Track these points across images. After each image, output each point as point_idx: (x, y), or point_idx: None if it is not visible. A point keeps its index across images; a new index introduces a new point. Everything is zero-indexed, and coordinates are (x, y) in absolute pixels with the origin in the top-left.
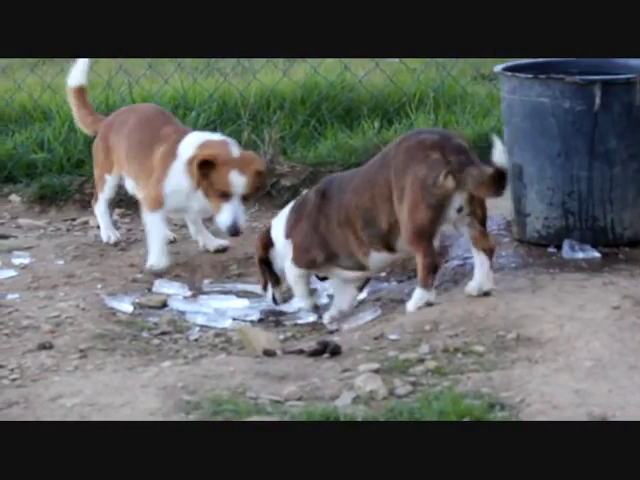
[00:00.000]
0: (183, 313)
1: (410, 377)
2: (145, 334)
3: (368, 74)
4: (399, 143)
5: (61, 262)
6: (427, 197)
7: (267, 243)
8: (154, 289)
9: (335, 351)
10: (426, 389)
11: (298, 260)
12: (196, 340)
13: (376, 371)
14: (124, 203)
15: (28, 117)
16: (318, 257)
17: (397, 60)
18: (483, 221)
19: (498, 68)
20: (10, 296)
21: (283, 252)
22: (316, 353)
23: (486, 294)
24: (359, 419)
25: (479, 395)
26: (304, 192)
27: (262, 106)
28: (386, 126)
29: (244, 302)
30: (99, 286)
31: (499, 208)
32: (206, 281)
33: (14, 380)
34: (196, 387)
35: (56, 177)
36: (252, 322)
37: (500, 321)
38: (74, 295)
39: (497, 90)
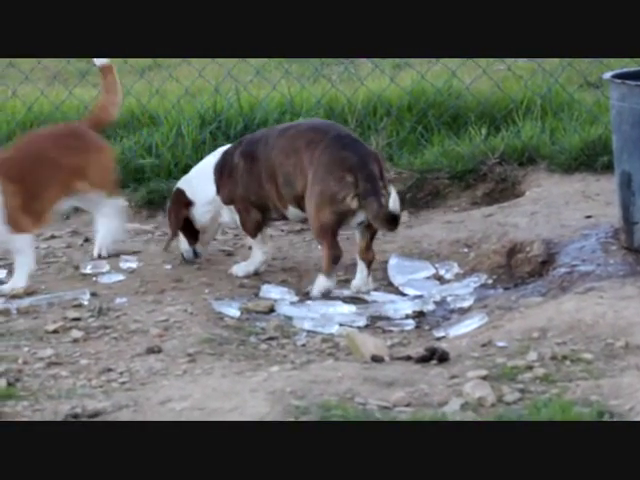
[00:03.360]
0: (290, 318)
1: (518, 384)
2: (253, 339)
3: (475, 81)
4: (324, 148)
5: (169, 267)
6: (333, 206)
7: (187, 203)
8: (261, 294)
9: (443, 358)
10: (534, 396)
11: (248, 228)
12: (303, 345)
13: (484, 378)
14: None
15: (136, 122)
16: (258, 217)
17: (504, 67)
18: (373, 235)
19: (607, 75)
20: (118, 300)
21: (206, 210)
22: (424, 359)
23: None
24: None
25: (588, 403)
26: (221, 154)
27: (369, 112)
28: (493, 133)
29: (351, 308)
30: (206, 291)
31: (607, 216)
32: (312, 286)
33: (123, 383)
34: (304, 392)
35: (164, 182)
36: (359, 328)
37: (608, 329)
38: (182, 299)
39: (604, 98)
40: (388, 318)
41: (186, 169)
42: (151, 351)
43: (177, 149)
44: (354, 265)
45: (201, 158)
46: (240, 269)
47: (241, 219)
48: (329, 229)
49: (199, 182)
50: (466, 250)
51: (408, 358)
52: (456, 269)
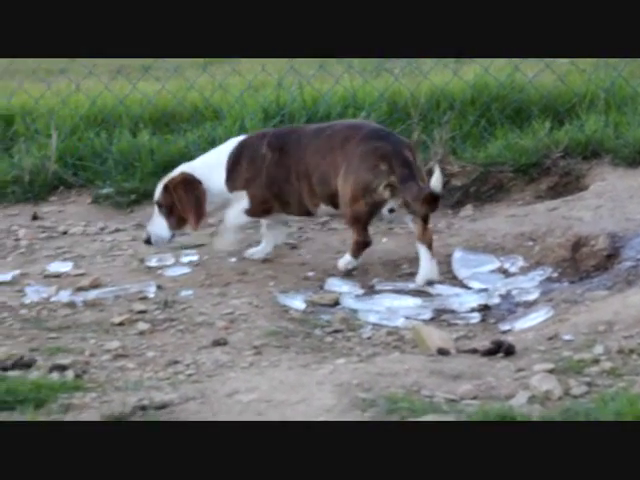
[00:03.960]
0: (355, 311)
1: (585, 377)
2: (318, 332)
3: (538, 75)
4: (359, 141)
5: (233, 259)
6: (367, 197)
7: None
8: (326, 287)
9: (509, 351)
10: (601, 390)
11: (254, 211)
12: (369, 338)
13: (551, 371)
14: None
15: (199, 116)
16: (274, 206)
17: (567, 61)
18: (425, 219)
19: None
20: (184, 293)
21: (214, 200)
22: (490, 352)
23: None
24: (535, 419)
25: None
26: (238, 143)
27: (432, 106)
28: (557, 127)
29: (416, 301)
30: (271, 284)
31: None
32: (377, 279)
33: (190, 375)
34: (371, 385)
35: None
36: (424, 321)
37: None
38: (247, 292)
39: None
40: (453, 311)
41: None
42: (217, 343)
43: None
44: (418, 259)
45: None
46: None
47: (251, 203)
48: (361, 219)
49: (211, 170)
50: (531, 243)
51: (474, 351)
52: (521, 262)
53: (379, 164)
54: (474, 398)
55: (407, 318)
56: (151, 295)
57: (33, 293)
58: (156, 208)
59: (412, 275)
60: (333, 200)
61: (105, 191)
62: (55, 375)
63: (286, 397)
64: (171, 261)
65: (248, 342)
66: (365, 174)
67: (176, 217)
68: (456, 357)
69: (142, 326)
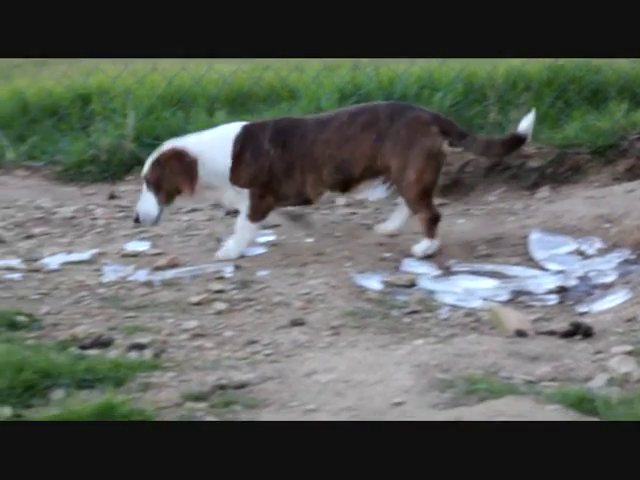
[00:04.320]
0: (432, 292)
1: None
2: (395, 312)
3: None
4: (389, 117)
5: (310, 240)
6: (432, 163)
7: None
8: (402, 268)
9: (587, 333)
10: None
11: (254, 217)
12: (446, 319)
13: (629, 353)
14: None
15: (275, 96)
16: (271, 204)
17: None
18: None
19: None
20: (261, 273)
21: (209, 179)
22: (568, 334)
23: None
24: (614, 401)
25: None
26: (242, 128)
27: (509, 87)
28: (634, 108)
29: (493, 282)
30: (348, 264)
31: None
32: (453, 261)
33: (268, 355)
34: (449, 365)
35: None
36: (501, 302)
37: None
38: (324, 273)
39: None
40: (530, 293)
41: None
42: (295, 323)
43: None
44: (497, 239)
45: None
46: (231, 252)
47: (253, 204)
48: (430, 191)
49: (212, 148)
50: (608, 225)
51: (552, 333)
52: (598, 244)
53: (430, 128)
54: (552, 380)
55: (484, 299)
56: (228, 275)
57: (111, 272)
58: (144, 185)
59: (489, 256)
60: (347, 185)
61: None
62: (133, 354)
63: (364, 377)
64: None
65: (325, 322)
66: (424, 141)
67: (165, 191)
68: (534, 339)
69: (219, 306)
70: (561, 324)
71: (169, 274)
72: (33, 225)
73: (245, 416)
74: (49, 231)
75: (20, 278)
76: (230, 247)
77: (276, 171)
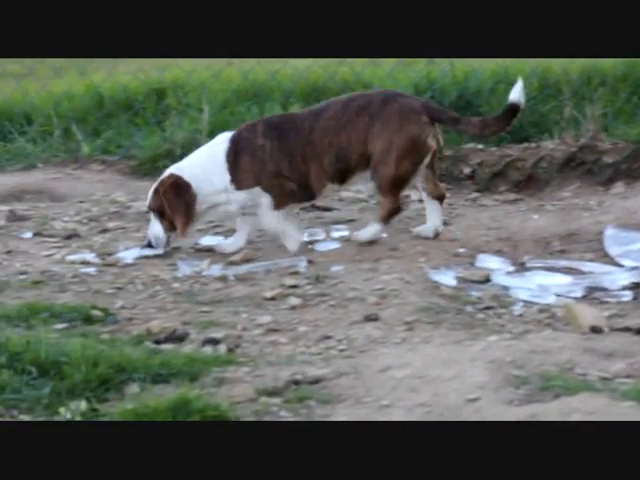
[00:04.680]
0: (506, 288)
1: None
2: (469, 308)
3: None
4: (381, 103)
5: (384, 235)
6: (414, 154)
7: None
8: (476, 264)
9: None
10: None
11: (280, 203)
12: (520, 315)
13: None
14: (445, 177)
15: (350, 91)
16: (294, 187)
17: None
18: (435, 171)
19: None
20: (334, 268)
21: (206, 200)
22: None
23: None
24: None
25: None
26: (229, 141)
27: (584, 82)
28: None
29: (567, 278)
30: (422, 260)
31: None
32: (527, 256)
33: (342, 351)
34: (524, 362)
35: None
36: (576, 298)
37: None
38: (398, 268)
39: None
40: (605, 289)
41: None
42: (369, 319)
43: None
44: (571, 235)
45: None
46: (290, 245)
47: (275, 193)
48: (403, 182)
49: (205, 171)
50: None
51: (627, 329)
52: None
53: (420, 117)
54: (628, 377)
55: (558, 296)
56: (302, 270)
57: (185, 267)
58: (151, 213)
59: (563, 252)
60: (344, 176)
61: None
62: (208, 349)
63: (439, 373)
64: (322, 236)
65: (400, 318)
66: (411, 129)
67: (168, 220)
68: (609, 335)
69: (294, 301)
70: (636, 320)
71: (243, 269)
72: (108, 219)
73: (319, 411)
74: (124, 225)
75: (95, 272)
76: (287, 244)
77: (279, 160)
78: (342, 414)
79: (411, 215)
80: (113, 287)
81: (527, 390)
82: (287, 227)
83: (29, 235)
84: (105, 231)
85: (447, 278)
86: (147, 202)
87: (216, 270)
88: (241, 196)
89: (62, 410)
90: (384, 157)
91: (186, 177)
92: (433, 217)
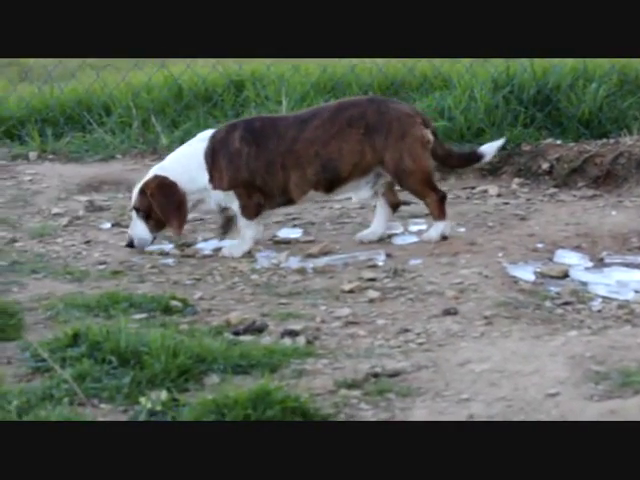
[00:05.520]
0: (585, 284)
1: None
2: (548, 303)
3: None
4: (377, 111)
5: (462, 230)
6: (426, 151)
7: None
8: (555, 259)
9: None
10: None
11: (248, 213)
12: (599, 311)
13: None
14: (523, 172)
15: (428, 85)
16: (261, 200)
17: None
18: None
19: None
20: (413, 261)
21: (191, 198)
22: None
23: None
24: None
25: None
26: (209, 140)
27: None
28: None
29: None
30: (500, 254)
31: None
32: (606, 252)
33: (421, 344)
34: (604, 357)
35: (457, 145)
36: None
37: None
38: (476, 262)
39: None
40: None
41: (478, 133)
42: (447, 313)
43: (469, 112)
44: None
45: (494, 122)
46: (235, 250)
47: (242, 203)
48: (431, 175)
49: (187, 170)
50: None
51: None
52: None
53: (416, 119)
54: None
55: (637, 292)
56: (380, 263)
57: (263, 259)
58: (134, 212)
59: None
60: (333, 186)
61: None
62: (287, 341)
63: (519, 368)
64: (400, 230)
65: (478, 312)
66: (416, 131)
67: (154, 220)
68: None
69: (372, 294)
70: None
71: (321, 261)
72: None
73: (399, 404)
74: (202, 217)
75: (174, 263)
76: (235, 245)
77: (255, 169)
78: (421, 407)
79: (489, 210)
80: (192, 278)
81: (607, 386)
82: (251, 235)
83: (107, 225)
84: None
85: (525, 273)
86: (132, 202)
87: (294, 262)
88: (218, 196)
89: (142, 400)
90: (401, 165)
91: (171, 177)
92: (380, 223)
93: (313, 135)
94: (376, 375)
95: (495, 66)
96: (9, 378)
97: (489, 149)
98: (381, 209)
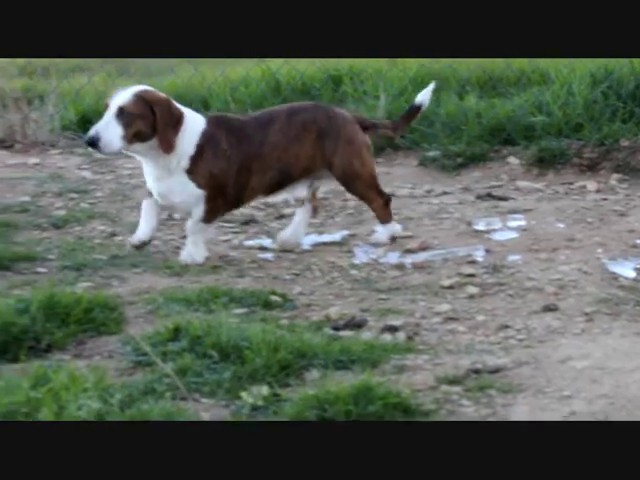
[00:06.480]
0: None
1: None
2: None
3: None
4: (327, 116)
5: (561, 225)
6: (369, 154)
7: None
8: None
9: None
10: None
11: (210, 219)
12: None
13: None
14: (622, 168)
15: (526, 80)
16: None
17: None
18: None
19: None
20: (512, 257)
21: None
22: None
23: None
24: None
25: None
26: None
27: None
28: None
29: None
30: (599, 250)
31: None
32: None
33: (521, 340)
34: None
35: (555, 140)
36: None
37: None
38: (575, 259)
39: None
40: None
41: (577, 128)
42: (547, 309)
43: (568, 107)
44: None
45: (592, 117)
46: (197, 256)
47: (208, 208)
48: (375, 179)
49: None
50: None
51: None
52: None
53: (358, 125)
54: None
55: None
56: (479, 259)
57: (362, 254)
58: (114, 111)
59: None
60: (280, 188)
61: (432, 154)
62: (387, 336)
63: (620, 365)
64: (499, 225)
65: (578, 308)
66: (360, 137)
67: (134, 130)
68: None
69: (471, 290)
70: None
71: (420, 257)
72: (284, 205)
73: (500, 401)
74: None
75: (272, 258)
76: (192, 251)
77: (232, 174)
78: (523, 404)
79: (588, 206)
80: (291, 273)
81: None
82: (202, 239)
83: None
84: (282, 217)
85: (626, 269)
86: (118, 102)
87: (393, 258)
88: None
89: (244, 394)
90: (350, 170)
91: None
92: (301, 225)
93: (276, 139)
94: (477, 371)
95: (594, 60)
96: (111, 372)
97: (423, 97)
98: (302, 212)
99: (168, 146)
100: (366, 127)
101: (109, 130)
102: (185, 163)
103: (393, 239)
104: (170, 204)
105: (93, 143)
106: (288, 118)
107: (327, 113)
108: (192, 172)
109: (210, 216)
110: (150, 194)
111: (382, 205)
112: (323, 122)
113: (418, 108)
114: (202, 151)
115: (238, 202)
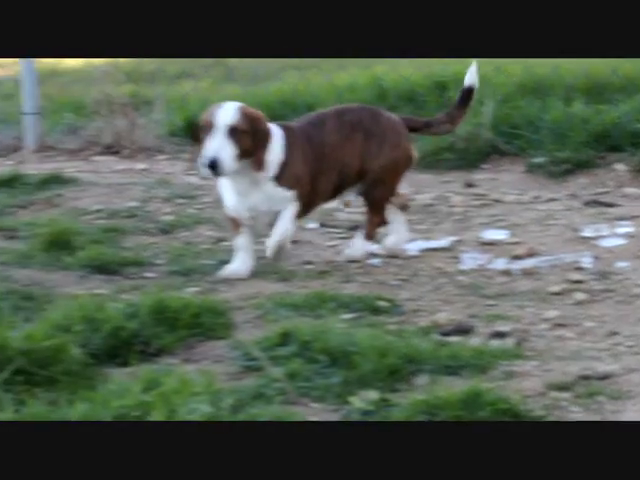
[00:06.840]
0: None
1: None
2: None
3: None
4: (373, 117)
5: None
6: (405, 171)
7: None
8: None
9: None
10: None
11: (300, 213)
12: None
13: None
14: None
15: (632, 87)
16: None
17: None
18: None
19: None
20: (619, 264)
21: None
22: None
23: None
24: None
25: None
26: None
27: None
28: None
29: None
30: None
31: None
32: None
33: (630, 347)
34: None
35: None
36: None
37: None
38: None
39: None
40: None
41: None
42: None
43: None
44: None
45: None
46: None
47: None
48: (391, 199)
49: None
50: None
51: None
52: None
53: (406, 131)
54: None
55: None
56: (587, 265)
57: (469, 260)
58: (225, 131)
59: None
60: (335, 193)
61: (538, 160)
62: (495, 342)
63: None
64: (606, 232)
65: None
66: (407, 145)
67: (244, 148)
68: None
69: (579, 296)
70: None
71: (528, 263)
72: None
73: (609, 407)
74: (408, 218)
75: (380, 264)
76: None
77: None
78: (633, 410)
79: None
80: (398, 279)
81: None
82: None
83: (314, 225)
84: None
85: None
86: (231, 120)
87: (501, 264)
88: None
89: (353, 399)
90: (383, 176)
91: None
92: (400, 228)
93: (331, 139)
94: (586, 378)
95: None
96: (220, 376)
97: (470, 77)
98: (396, 215)
99: (262, 162)
100: (418, 128)
101: (225, 150)
102: (272, 172)
103: (370, 255)
104: (256, 215)
105: (214, 166)
106: (337, 117)
107: (373, 113)
108: (279, 178)
109: (300, 212)
110: (236, 223)
111: (378, 224)
112: (368, 122)
113: (469, 91)
114: (286, 158)
115: (308, 209)
